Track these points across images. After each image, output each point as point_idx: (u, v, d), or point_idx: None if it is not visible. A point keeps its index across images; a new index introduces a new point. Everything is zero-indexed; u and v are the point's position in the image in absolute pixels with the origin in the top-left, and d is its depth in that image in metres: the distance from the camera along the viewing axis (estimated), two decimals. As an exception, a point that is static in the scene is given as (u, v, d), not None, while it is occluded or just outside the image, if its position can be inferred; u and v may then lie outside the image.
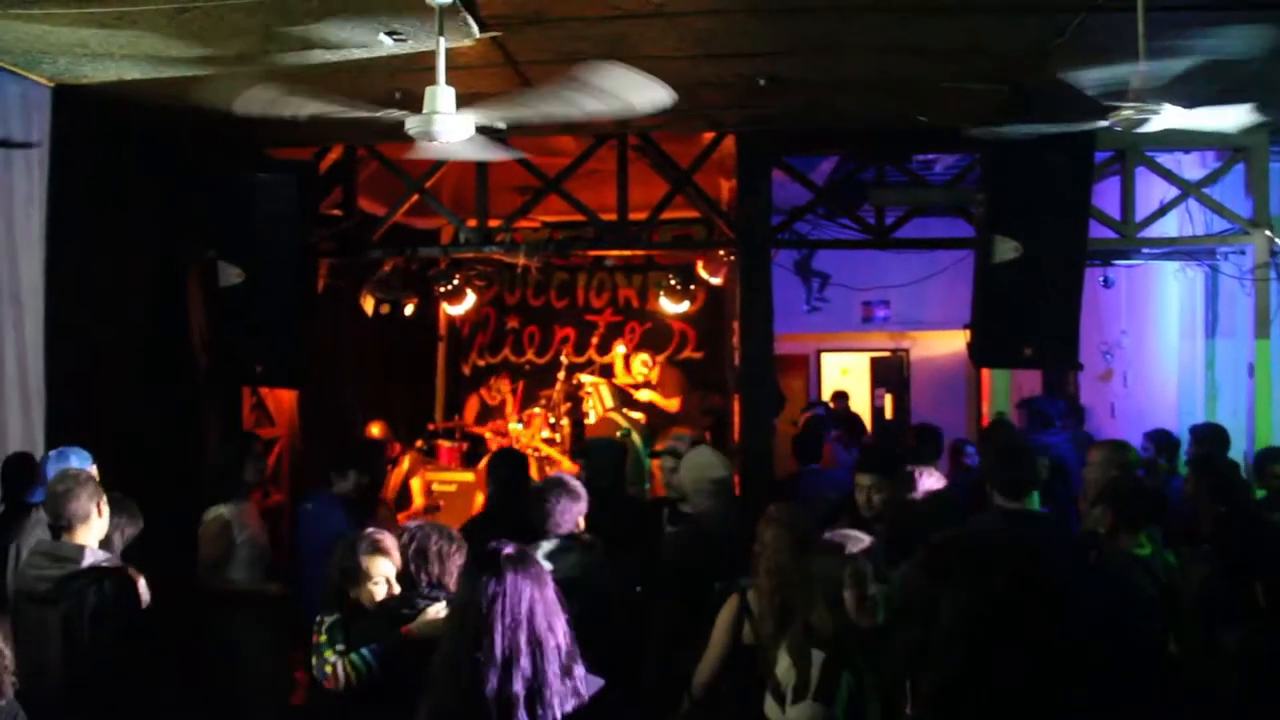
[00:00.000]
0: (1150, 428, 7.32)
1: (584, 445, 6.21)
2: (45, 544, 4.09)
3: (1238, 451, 6.71)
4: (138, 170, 6.21)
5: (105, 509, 4.09)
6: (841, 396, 11.49)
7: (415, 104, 4.06)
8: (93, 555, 3.98)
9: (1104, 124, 3.99)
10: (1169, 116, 3.73)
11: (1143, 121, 3.71)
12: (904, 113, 6.34)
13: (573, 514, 4.30)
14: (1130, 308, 9.37)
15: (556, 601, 2.69)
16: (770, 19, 4.75)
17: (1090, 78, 3.96)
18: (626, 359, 9.63)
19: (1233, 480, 5.24)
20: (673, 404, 9.41)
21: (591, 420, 8.96)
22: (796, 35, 4.99)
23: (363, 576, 3.69)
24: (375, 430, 8.07)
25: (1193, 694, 3.83)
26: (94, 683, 3.83)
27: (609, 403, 9.01)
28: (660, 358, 9.80)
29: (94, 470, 4.53)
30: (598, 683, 2.73)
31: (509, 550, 2.71)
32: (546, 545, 4.14)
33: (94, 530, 4.03)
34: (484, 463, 8.48)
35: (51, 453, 4.85)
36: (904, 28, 4.86)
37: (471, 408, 9.74)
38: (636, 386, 9.45)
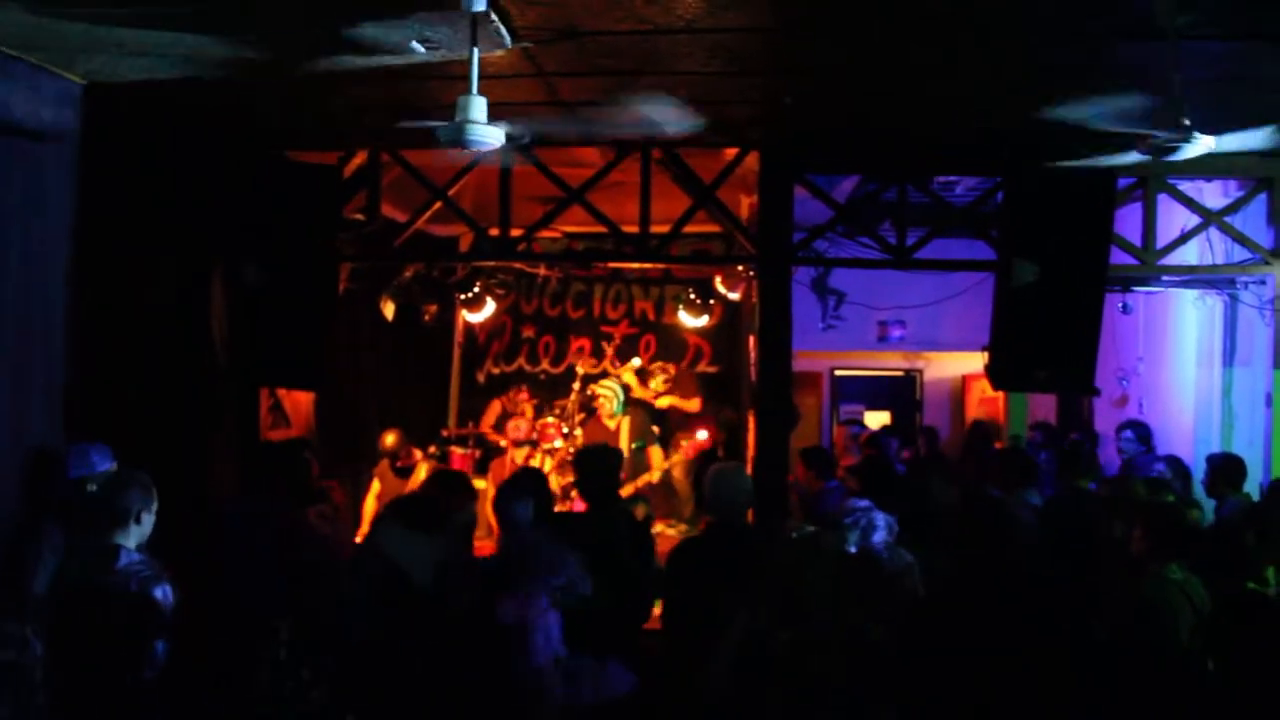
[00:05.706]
0: (1165, 455, 7.33)
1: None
2: (85, 542, 4.09)
3: (1254, 483, 6.69)
4: (165, 170, 6.24)
5: (150, 516, 4.10)
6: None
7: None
8: (128, 557, 4.00)
9: (1135, 158, 4.00)
10: (1200, 145, 3.74)
11: (1173, 150, 3.72)
12: (930, 129, 6.36)
13: None
14: (1148, 334, 9.36)
15: None
16: (799, 37, 4.77)
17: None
18: (642, 375, 9.60)
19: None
20: (693, 404, 9.44)
21: (611, 427, 8.97)
22: (824, 54, 5.01)
23: None
24: (390, 439, 8.06)
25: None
26: (129, 683, 3.84)
27: (617, 411, 9.01)
28: (678, 366, 9.81)
29: (116, 467, 4.55)
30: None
31: None
32: None
33: (134, 533, 4.04)
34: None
35: (71, 448, 4.85)
36: (933, 48, 4.88)
37: (492, 413, 9.75)
38: (657, 396, 9.46)
